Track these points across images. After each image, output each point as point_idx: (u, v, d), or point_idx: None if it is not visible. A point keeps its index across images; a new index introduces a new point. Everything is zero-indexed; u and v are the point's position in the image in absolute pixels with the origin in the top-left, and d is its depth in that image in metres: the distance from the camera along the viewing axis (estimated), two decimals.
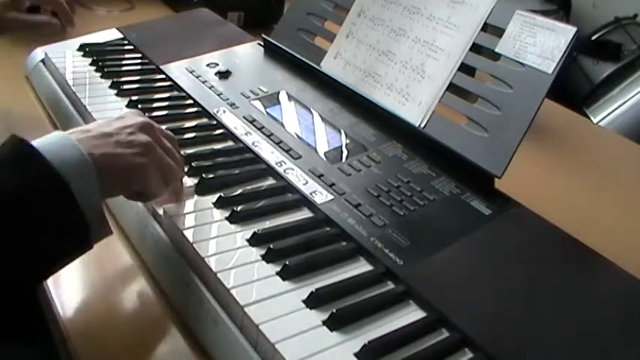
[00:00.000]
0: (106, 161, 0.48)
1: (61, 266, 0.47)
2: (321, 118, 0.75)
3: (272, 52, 0.91)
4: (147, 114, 0.74)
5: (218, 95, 0.80)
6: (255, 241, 0.55)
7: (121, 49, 0.94)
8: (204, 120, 0.76)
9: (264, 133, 0.72)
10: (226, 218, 0.58)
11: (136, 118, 0.55)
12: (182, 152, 0.66)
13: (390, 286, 0.53)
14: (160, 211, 0.58)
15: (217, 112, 0.76)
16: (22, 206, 0.43)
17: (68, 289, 0.55)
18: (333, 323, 0.47)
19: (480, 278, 0.54)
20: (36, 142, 0.46)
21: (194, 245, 0.53)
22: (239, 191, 0.61)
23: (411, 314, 0.50)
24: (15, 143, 0.45)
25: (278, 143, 0.70)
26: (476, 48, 0.70)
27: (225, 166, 0.66)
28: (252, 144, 0.70)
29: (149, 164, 0.52)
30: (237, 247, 0.54)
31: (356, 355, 0.45)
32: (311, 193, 0.62)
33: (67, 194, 0.44)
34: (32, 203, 0.43)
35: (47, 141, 0.46)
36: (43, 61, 0.87)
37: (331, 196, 0.61)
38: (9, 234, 0.42)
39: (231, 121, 0.74)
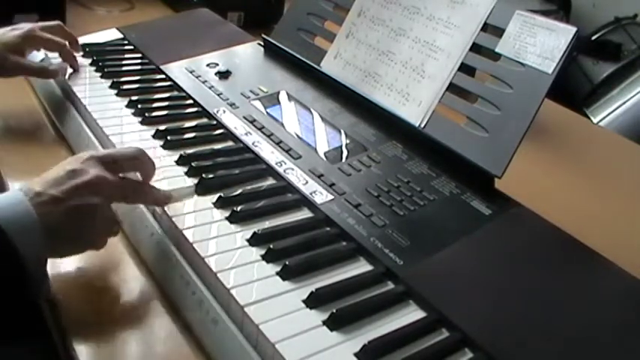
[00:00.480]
0: (56, 226, 0.50)
1: None
2: (321, 118, 0.75)
3: (272, 52, 0.91)
4: (147, 114, 0.74)
5: (218, 95, 0.80)
6: (255, 241, 0.55)
7: (121, 49, 0.94)
8: (204, 120, 0.76)
9: (264, 133, 0.72)
10: (226, 218, 0.58)
11: (88, 172, 0.54)
12: (182, 152, 0.66)
13: (390, 286, 0.53)
14: (159, 211, 0.58)
15: (217, 112, 0.76)
16: None
17: (68, 288, 0.55)
18: (333, 323, 0.47)
19: (479, 278, 0.54)
20: None
21: (194, 245, 0.53)
22: (239, 191, 0.61)
23: (411, 314, 0.50)
24: None
25: (278, 143, 0.70)
26: (476, 48, 0.70)
27: (225, 166, 0.66)
28: (252, 144, 0.70)
29: (97, 226, 0.54)
30: (237, 247, 0.54)
31: (356, 355, 0.45)
32: (311, 193, 0.62)
33: (16, 258, 0.46)
34: None
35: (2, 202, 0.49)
36: (42, 61, 0.87)
37: (331, 196, 0.61)
38: None
39: (231, 121, 0.74)
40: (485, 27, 0.70)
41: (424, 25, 0.75)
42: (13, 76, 0.80)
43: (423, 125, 0.71)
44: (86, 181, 0.52)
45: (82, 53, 0.88)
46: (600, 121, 2.13)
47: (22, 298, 0.49)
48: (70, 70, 0.84)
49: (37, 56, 0.86)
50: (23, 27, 0.79)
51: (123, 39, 0.97)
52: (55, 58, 0.85)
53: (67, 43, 0.83)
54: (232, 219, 0.57)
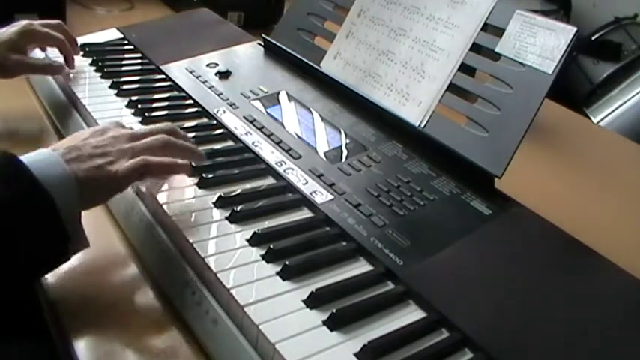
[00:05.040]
0: (87, 176, 0.50)
1: (39, 275, 0.51)
2: (321, 118, 0.75)
3: (272, 52, 0.91)
4: (147, 114, 0.74)
5: (218, 95, 0.80)
6: (255, 241, 0.55)
7: (121, 49, 0.94)
8: (204, 120, 0.76)
9: (264, 133, 0.72)
10: (226, 218, 0.58)
11: (111, 128, 0.57)
12: None
13: (390, 286, 0.53)
14: (160, 211, 0.58)
15: (217, 112, 0.76)
16: (8, 217, 0.45)
17: (69, 288, 0.55)
18: (333, 323, 0.47)
19: (479, 278, 0.54)
20: (24, 158, 0.48)
21: (194, 245, 0.53)
22: (239, 191, 0.61)
23: (411, 314, 0.50)
24: (5, 158, 0.48)
25: (278, 143, 0.70)
26: (476, 48, 0.70)
27: (225, 166, 0.66)
28: (252, 144, 0.70)
29: (126, 173, 0.54)
30: (237, 247, 0.54)
31: (356, 355, 0.45)
32: (311, 193, 0.62)
33: (52, 209, 0.47)
34: (18, 215, 0.45)
35: (35, 158, 0.49)
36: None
37: (331, 196, 0.61)
38: None
39: (231, 121, 0.74)
40: (485, 27, 0.70)
41: (424, 25, 0.75)
42: (17, 76, 0.80)
43: (423, 125, 0.71)
44: (112, 132, 0.56)
45: (81, 54, 0.88)
46: (600, 121, 2.14)
47: (65, 255, 0.50)
48: (67, 68, 0.83)
49: (37, 56, 0.86)
50: (20, 23, 0.79)
51: (123, 39, 0.97)
52: (56, 57, 0.85)
53: (65, 38, 0.83)
54: (232, 219, 0.57)
